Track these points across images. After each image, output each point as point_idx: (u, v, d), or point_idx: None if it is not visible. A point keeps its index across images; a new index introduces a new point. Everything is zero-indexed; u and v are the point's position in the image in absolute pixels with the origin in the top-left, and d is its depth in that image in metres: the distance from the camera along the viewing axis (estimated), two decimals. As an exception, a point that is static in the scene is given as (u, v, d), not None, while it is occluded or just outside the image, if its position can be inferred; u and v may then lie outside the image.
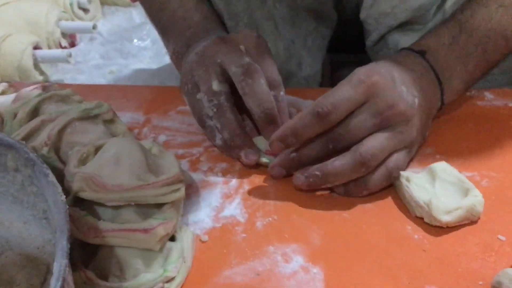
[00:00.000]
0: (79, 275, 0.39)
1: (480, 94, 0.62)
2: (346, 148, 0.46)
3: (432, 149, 0.53)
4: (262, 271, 0.42)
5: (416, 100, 0.48)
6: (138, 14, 1.28)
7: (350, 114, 0.46)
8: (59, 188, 0.36)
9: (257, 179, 0.51)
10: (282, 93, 0.53)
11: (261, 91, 0.50)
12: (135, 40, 1.15)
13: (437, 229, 0.44)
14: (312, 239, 0.44)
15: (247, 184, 0.51)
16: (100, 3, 1.30)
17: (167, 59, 1.11)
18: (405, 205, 0.47)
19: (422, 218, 0.45)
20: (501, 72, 0.65)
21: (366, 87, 0.46)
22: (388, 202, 0.48)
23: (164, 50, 1.14)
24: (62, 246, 0.31)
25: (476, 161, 0.51)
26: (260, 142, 0.53)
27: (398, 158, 0.48)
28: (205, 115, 0.54)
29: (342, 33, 0.76)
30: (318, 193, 0.49)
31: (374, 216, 0.46)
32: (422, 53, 0.53)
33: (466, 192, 0.45)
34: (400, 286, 0.39)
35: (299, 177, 0.48)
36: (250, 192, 0.50)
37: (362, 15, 0.66)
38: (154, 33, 1.18)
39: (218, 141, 0.54)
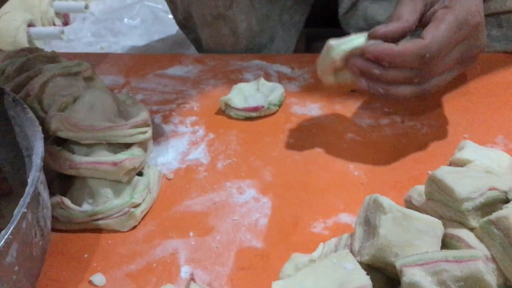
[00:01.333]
0: (56, 202, 0.45)
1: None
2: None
3: (381, 103, 0.59)
4: (219, 201, 0.47)
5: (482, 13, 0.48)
6: (129, -5, 1.33)
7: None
8: (37, 122, 0.42)
9: (222, 130, 0.57)
10: None
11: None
12: (126, 19, 1.20)
13: (375, 167, 0.50)
14: (264, 177, 0.50)
15: (212, 134, 0.56)
16: (93, -16, 1.36)
17: (155, 37, 1.16)
18: (349, 149, 0.53)
19: (365, 158, 0.51)
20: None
21: (466, 31, 0.46)
22: (336, 148, 0.53)
23: (152, 28, 1.20)
24: (36, 163, 0.37)
25: (419, 112, 0.57)
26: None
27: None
28: None
29: (318, 7, 0.81)
30: (274, 141, 0.55)
31: (321, 158, 0.52)
32: None
33: None
34: (334, 211, 0.45)
35: (363, 82, 0.47)
36: (214, 140, 0.55)
37: None
38: (143, 12, 1.24)
39: None
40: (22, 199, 0.34)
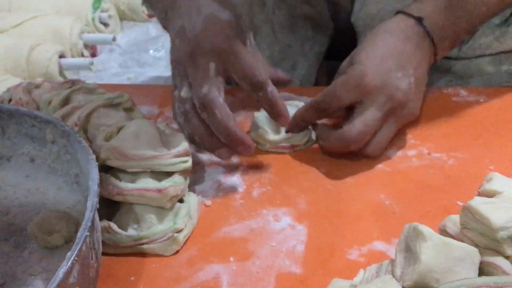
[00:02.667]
0: (103, 226, 0.47)
1: (456, 91, 0.70)
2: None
3: (408, 135, 0.61)
4: (256, 227, 0.50)
5: (412, 79, 0.56)
6: (154, 28, 1.38)
7: (361, 113, 0.55)
8: (90, 150, 0.45)
9: (255, 159, 0.59)
10: (269, 89, 0.53)
11: (217, 122, 0.51)
12: (151, 51, 1.25)
13: (405, 197, 0.52)
14: (299, 204, 0.52)
15: (246, 163, 0.59)
16: (120, 18, 1.41)
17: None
18: (379, 179, 0.55)
19: (395, 188, 0.53)
20: (479, 75, 0.73)
21: (359, 90, 0.54)
22: (366, 177, 0.55)
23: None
24: (93, 189, 0.40)
25: (445, 144, 0.59)
26: (261, 119, 0.61)
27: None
28: (177, 114, 0.57)
29: (339, 41, 0.84)
30: (307, 170, 0.57)
31: (353, 187, 0.54)
32: (419, 20, 0.58)
33: None
34: (369, 239, 0.47)
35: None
36: (248, 169, 0.58)
37: (353, 18, 0.73)
38: (168, 44, 1.29)
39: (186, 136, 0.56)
40: (83, 222, 0.37)
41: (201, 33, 0.54)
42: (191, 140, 0.56)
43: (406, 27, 0.58)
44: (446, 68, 0.72)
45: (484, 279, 0.32)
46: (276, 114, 0.55)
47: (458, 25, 0.59)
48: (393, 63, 0.56)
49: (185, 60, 0.54)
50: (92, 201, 0.39)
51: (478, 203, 0.37)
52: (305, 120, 0.58)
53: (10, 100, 0.63)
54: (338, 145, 0.56)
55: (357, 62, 0.56)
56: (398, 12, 0.60)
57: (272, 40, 0.74)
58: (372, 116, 0.54)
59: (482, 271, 0.36)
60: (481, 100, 0.67)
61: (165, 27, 0.61)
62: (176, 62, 0.56)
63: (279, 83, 0.61)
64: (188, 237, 0.49)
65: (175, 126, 0.67)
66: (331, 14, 0.78)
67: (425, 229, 0.36)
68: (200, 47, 0.53)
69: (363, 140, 0.55)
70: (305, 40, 0.78)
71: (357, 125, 0.54)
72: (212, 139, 0.54)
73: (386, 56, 0.56)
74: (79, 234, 0.36)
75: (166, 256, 0.47)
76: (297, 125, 0.58)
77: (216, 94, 0.52)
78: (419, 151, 0.58)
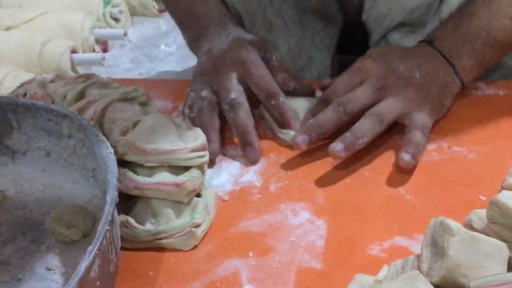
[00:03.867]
0: (121, 221, 0.47)
1: (475, 85, 0.68)
2: (354, 113, 0.55)
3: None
4: (274, 222, 0.49)
5: (417, 74, 0.57)
6: (165, 23, 1.37)
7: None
8: (108, 144, 0.44)
9: (272, 154, 0.59)
10: (281, 99, 0.59)
11: (239, 120, 0.58)
12: (162, 46, 1.24)
13: (426, 191, 0.51)
14: (317, 199, 0.51)
15: (263, 157, 0.58)
16: (130, 13, 1.41)
17: (191, 63, 1.19)
18: (398, 172, 0.54)
19: (415, 182, 0.52)
20: (496, 68, 0.72)
21: (360, 72, 0.56)
22: (384, 170, 0.55)
23: (189, 54, 1.24)
24: (112, 183, 0.39)
25: (465, 138, 0.58)
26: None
27: (419, 116, 0.56)
28: (188, 107, 0.63)
29: (349, 34, 0.83)
30: (324, 165, 0.56)
31: (372, 181, 0.53)
32: (429, 42, 0.62)
33: None
34: (390, 234, 0.46)
35: (336, 145, 0.53)
36: (264, 163, 0.57)
37: (364, 17, 0.72)
38: (179, 39, 1.28)
39: None
40: (103, 217, 0.36)
41: (226, 49, 0.63)
42: None
43: (418, 48, 0.62)
44: None
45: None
46: (285, 122, 0.59)
47: (471, 44, 0.60)
48: (396, 60, 0.58)
49: (210, 71, 0.62)
50: (112, 195, 0.38)
51: (506, 197, 0.36)
52: (314, 114, 0.58)
53: (25, 95, 0.63)
54: (329, 111, 0.55)
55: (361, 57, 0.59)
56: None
57: (286, 34, 0.74)
58: (362, 89, 0.56)
59: (510, 267, 0.35)
60: (501, 93, 0.66)
61: (193, 50, 0.71)
62: (200, 73, 0.64)
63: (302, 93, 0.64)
64: (206, 232, 0.48)
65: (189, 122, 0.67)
66: (339, 7, 0.77)
67: (452, 223, 0.35)
68: (224, 59, 0.62)
69: (350, 105, 0.55)
70: (315, 33, 0.77)
71: (348, 94, 0.56)
72: (211, 131, 0.58)
73: (392, 56, 0.59)
74: (99, 228, 0.35)
75: (185, 251, 0.46)
76: (310, 130, 0.56)
77: (243, 99, 0.59)
78: (438, 145, 0.57)
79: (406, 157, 0.52)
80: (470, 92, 0.67)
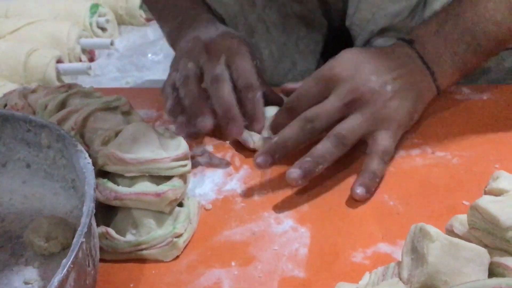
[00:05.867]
0: (101, 232, 0.46)
1: (458, 89, 0.68)
2: (323, 130, 0.53)
3: (412, 134, 0.60)
4: (257, 231, 0.48)
5: (389, 87, 0.54)
6: (152, 32, 1.38)
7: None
8: (86, 154, 0.44)
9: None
10: (258, 94, 0.58)
11: (222, 94, 0.57)
12: (149, 55, 1.24)
13: (409, 197, 0.51)
14: (301, 207, 0.51)
15: (246, 165, 0.58)
16: (117, 22, 1.41)
17: (178, 71, 1.19)
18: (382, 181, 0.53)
19: (399, 188, 0.52)
20: (481, 72, 0.72)
21: (327, 79, 0.54)
22: (368, 177, 0.54)
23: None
24: (89, 194, 0.39)
25: (449, 143, 0.58)
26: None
27: (382, 139, 0.53)
28: (170, 85, 0.62)
29: (334, 39, 0.83)
30: (309, 171, 0.56)
31: (356, 188, 0.53)
32: (410, 42, 0.58)
33: None
34: (373, 241, 0.46)
35: (294, 171, 0.50)
36: (248, 171, 0.57)
37: (347, 22, 0.72)
38: (167, 48, 1.27)
39: (168, 106, 0.61)
40: (79, 228, 0.36)
41: (216, 38, 0.62)
42: (172, 110, 0.61)
43: (396, 49, 0.58)
44: None
45: (496, 281, 0.30)
46: (254, 118, 0.58)
47: (453, 48, 0.57)
48: (368, 67, 0.54)
49: (199, 51, 0.61)
50: (88, 206, 0.37)
51: (486, 202, 0.36)
52: (277, 124, 0.57)
53: (5, 106, 0.62)
54: (295, 128, 0.53)
55: (330, 60, 0.56)
56: (397, 40, 0.61)
57: (268, 39, 0.74)
58: (330, 103, 0.53)
59: (492, 272, 0.35)
60: (484, 97, 0.66)
61: (175, 40, 0.68)
62: (186, 53, 0.62)
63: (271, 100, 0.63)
64: (188, 242, 0.47)
65: (173, 129, 0.66)
66: (323, 13, 0.77)
67: (432, 229, 0.34)
68: (214, 44, 0.61)
69: (318, 122, 0.52)
70: (298, 39, 0.77)
71: (315, 108, 0.53)
72: (202, 103, 0.57)
73: (362, 61, 0.55)
74: (74, 240, 0.35)
75: (166, 261, 0.46)
76: (274, 129, 0.57)
77: (228, 77, 0.58)
78: (422, 150, 0.57)
79: (359, 190, 0.50)
80: (453, 96, 0.67)
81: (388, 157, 0.54)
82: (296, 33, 0.75)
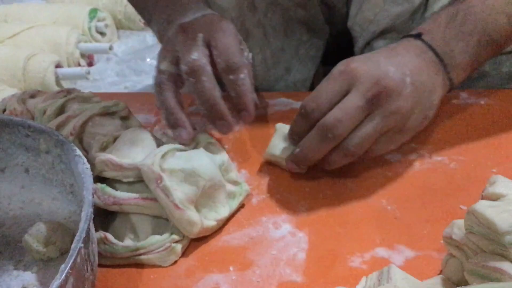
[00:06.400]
0: (99, 237, 0.46)
1: (456, 94, 0.69)
2: (345, 135, 0.48)
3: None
4: (255, 236, 0.49)
5: (408, 79, 0.49)
6: (151, 36, 1.38)
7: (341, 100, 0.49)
8: (85, 159, 0.44)
9: (254, 167, 0.58)
10: (242, 75, 0.52)
11: (202, 90, 0.51)
12: (148, 59, 1.24)
13: (407, 201, 0.51)
14: (299, 211, 0.51)
15: (244, 170, 0.58)
16: (116, 27, 1.41)
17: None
18: (379, 183, 0.54)
19: (397, 193, 0.52)
20: (479, 77, 0.73)
21: (345, 75, 0.48)
22: (366, 181, 0.54)
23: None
24: (88, 199, 0.39)
25: (446, 147, 0.58)
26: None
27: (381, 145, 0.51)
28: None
29: (335, 46, 0.84)
30: (306, 176, 0.56)
31: (353, 193, 0.53)
32: (418, 36, 0.54)
33: None
34: (371, 245, 0.46)
35: (288, 162, 0.52)
36: (246, 176, 0.57)
37: (349, 23, 0.72)
38: (165, 53, 1.28)
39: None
40: (78, 234, 0.36)
41: (194, 19, 0.56)
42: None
43: (405, 43, 0.54)
44: None
45: (491, 285, 0.31)
46: (241, 105, 0.53)
47: (466, 40, 0.54)
48: (384, 61, 0.50)
49: (175, 34, 0.55)
50: (87, 212, 0.38)
51: (483, 207, 0.36)
52: (296, 132, 0.52)
53: (4, 110, 0.62)
54: (316, 139, 0.49)
55: (341, 62, 0.52)
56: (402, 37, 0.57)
57: (264, 44, 0.74)
58: (351, 103, 0.48)
59: (488, 277, 0.35)
60: (482, 102, 0.66)
61: (164, 34, 0.61)
62: (166, 41, 0.57)
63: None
64: (187, 247, 0.48)
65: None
66: (326, 18, 0.77)
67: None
68: (193, 24, 0.55)
69: (341, 128, 0.47)
70: (300, 44, 0.77)
71: (335, 111, 0.48)
72: (178, 114, 0.53)
73: (378, 54, 0.52)
74: (73, 246, 0.35)
75: (164, 266, 0.46)
76: (293, 139, 0.54)
77: (205, 61, 0.52)
78: (420, 154, 0.57)
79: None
80: (451, 101, 0.67)
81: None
82: (298, 38, 0.74)
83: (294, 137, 0.53)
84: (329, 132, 0.48)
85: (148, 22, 0.70)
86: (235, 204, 0.50)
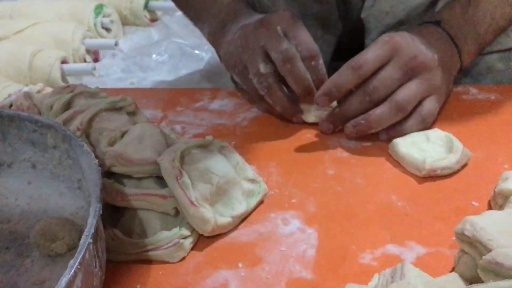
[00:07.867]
0: (108, 233, 0.46)
1: (466, 90, 0.68)
2: (381, 100, 0.56)
3: (419, 135, 0.60)
4: (264, 232, 0.48)
5: (436, 56, 0.58)
6: (156, 32, 1.37)
7: (380, 69, 0.56)
8: (93, 155, 0.43)
9: (262, 162, 0.58)
10: (320, 61, 0.61)
11: (298, 73, 0.59)
12: (154, 55, 1.24)
13: (418, 197, 0.50)
14: (308, 207, 0.51)
15: (252, 165, 0.57)
16: (122, 23, 1.40)
17: (183, 72, 1.19)
18: (389, 179, 0.53)
19: (407, 189, 0.51)
20: (489, 72, 0.72)
21: (389, 45, 0.55)
22: (376, 177, 0.54)
23: (180, 63, 1.23)
24: (96, 195, 0.38)
25: (456, 143, 0.57)
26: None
27: (429, 104, 0.57)
28: (251, 90, 0.64)
29: (345, 43, 0.83)
30: (315, 172, 0.56)
31: (363, 189, 0.52)
32: (438, 23, 0.63)
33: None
34: (381, 242, 0.45)
35: (348, 127, 0.57)
36: (254, 171, 0.56)
37: (364, 14, 0.72)
38: (171, 48, 1.27)
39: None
40: (86, 229, 0.36)
41: (265, 16, 0.63)
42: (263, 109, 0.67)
43: (427, 28, 0.63)
44: None
45: (507, 283, 0.30)
46: (319, 84, 0.59)
47: (476, 29, 0.63)
48: (417, 39, 0.58)
49: (253, 29, 0.61)
50: (95, 207, 0.37)
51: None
52: (337, 84, 0.57)
53: (11, 106, 0.62)
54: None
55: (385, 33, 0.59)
56: (420, 23, 0.65)
57: None
58: (389, 73, 0.55)
59: (500, 274, 0.34)
60: (492, 97, 0.66)
61: (219, 36, 0.69)
62: (242, 46, 0.62)
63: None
64: (195, 243, 0.47)
65: (179, 130, 0.66)
66: (340, 13, 0.77)
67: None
68: (267, 18, 0.62)
69: (381, 91, 0.55)
70: (314, 39, 0.77)
71: (372, 81, 0.55)
72: (292, 107, 0.62)
73: (411, 35, 0.58)
74: (82, 241, 0.34)
75: (172, 263, 0.45)
76: (329, 93, 0.58)
77: (294, 50, 0.59)
78: (430, 150, 0.57)
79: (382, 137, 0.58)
80: (461, 97, 0.67)
81: (431, 121, 0.58)
82: (312, 34, 0.74)
83: (333, 89, 0.57)
84: (367, 96, 0.56)
85: (194, 20, 0.77)
86: (253, 202, 0.50)
